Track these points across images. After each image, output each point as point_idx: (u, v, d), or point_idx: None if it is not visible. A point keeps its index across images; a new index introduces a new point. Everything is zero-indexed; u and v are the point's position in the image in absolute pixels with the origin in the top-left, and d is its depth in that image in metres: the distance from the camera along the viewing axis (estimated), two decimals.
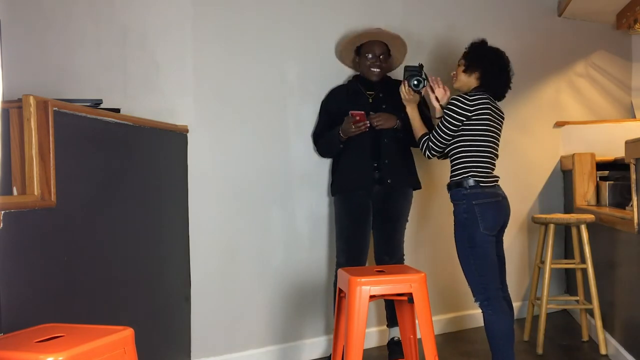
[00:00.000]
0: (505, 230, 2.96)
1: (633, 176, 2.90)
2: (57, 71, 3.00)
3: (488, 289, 2.82)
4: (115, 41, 3.10)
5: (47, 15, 3.00)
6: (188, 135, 3.25)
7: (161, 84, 3.20)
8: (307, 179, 3.61)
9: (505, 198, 2.90)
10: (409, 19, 3.92)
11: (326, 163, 3.64)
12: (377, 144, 3.35)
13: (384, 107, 3.39)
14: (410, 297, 2.59)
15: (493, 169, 2.90)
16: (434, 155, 3.00)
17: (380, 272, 2.64)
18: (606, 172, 4.00)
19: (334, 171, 3.50)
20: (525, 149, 4.40)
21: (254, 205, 3.47)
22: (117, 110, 2.63)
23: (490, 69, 2.89)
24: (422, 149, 3.00)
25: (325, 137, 3.47)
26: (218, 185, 3.35)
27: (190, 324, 3.27)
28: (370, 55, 3.40)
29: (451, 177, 2.91)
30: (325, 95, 3.58)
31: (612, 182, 3.81)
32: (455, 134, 2.87)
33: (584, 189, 4.03)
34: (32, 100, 2.00)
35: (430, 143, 2.94)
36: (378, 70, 3.41)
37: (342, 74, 3.67)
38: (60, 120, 2.07)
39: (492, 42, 2.98)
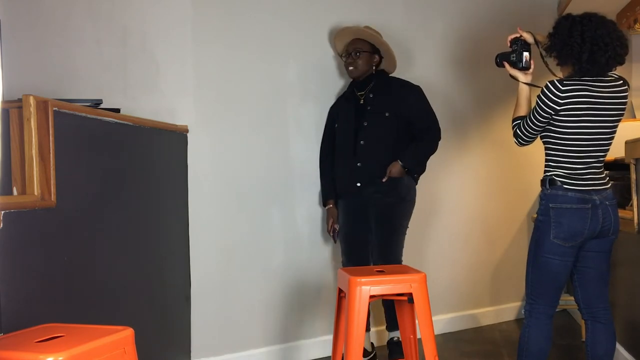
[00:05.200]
0: (614, 243, 2.61)
1: (633, 176, 2.90)
2: (57, 71, 3.00)
3: (536, 302, 2.60)
4: (115, 41, 3.10)
5: (47, 15, 3.00)
6: (188, 135, 3.25)
7: (161, 84, 3.21)
8: (307, 179, 3.61)
9: (602, 205, 2.51)
10: (409, 18, 3.92)
11: None
12: (355, 146, 3.34)
13: (368, 108, 3.34)
14: (410, 297, 2.59)
15: (586, 169, 2.52)
16: (521, 145, 2.65)
17: (380, 272, 2.64)
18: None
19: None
20: (525, 148, 4.35)
21: (253, 205, 3.47)
22: (117, 110, 2.63)
23: (579, 58, 2.42)
24: (514, 134, 2.66)
25: (323, 181, 3.52)
26: (218, 185, 3.35)
27: (190, 324, 3.27)
28: (344, 56, 3.41)
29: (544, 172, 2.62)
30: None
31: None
32: (545, 125, 2.53)
33: None
34: (32, 100, 2.00)
35: (518, 130, 2.61)
36: (352, 67, 3.35)
37: (342, 74, 3.68)
38: (60, 120, 2.07)
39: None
